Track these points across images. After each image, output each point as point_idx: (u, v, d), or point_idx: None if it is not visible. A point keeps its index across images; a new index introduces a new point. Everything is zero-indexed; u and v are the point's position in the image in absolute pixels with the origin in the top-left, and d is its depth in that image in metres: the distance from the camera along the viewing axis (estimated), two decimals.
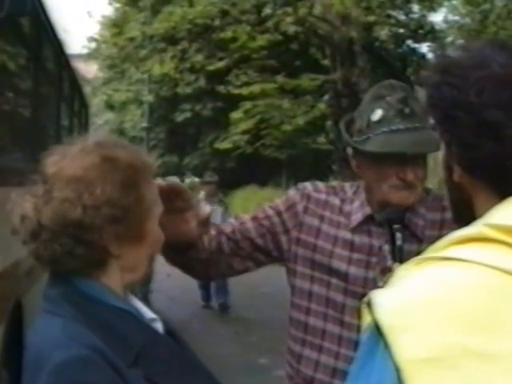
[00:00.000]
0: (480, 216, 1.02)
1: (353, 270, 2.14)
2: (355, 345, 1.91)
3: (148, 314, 1.54)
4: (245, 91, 23.73)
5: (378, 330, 0.89)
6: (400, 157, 2.03)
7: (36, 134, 5.92)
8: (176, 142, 31.96)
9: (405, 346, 0.86)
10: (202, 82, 26.71)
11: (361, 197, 2.20)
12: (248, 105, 23.88)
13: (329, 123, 22.33)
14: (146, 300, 5.44)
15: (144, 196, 1.45)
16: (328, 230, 2.19)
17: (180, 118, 28.40)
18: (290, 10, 21.02)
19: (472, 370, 0.82)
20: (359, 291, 2.07)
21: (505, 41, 1.13)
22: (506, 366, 0.82)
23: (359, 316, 0.98)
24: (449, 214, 2.05)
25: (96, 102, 31.78)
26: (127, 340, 1.37)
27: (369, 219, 2.17)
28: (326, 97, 21.97)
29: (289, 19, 21.56)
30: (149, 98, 27.92)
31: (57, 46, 7.17)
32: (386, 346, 0.87)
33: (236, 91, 24.06)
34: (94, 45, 34.92)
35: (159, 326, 1.53)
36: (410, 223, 2.14)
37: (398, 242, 2.04)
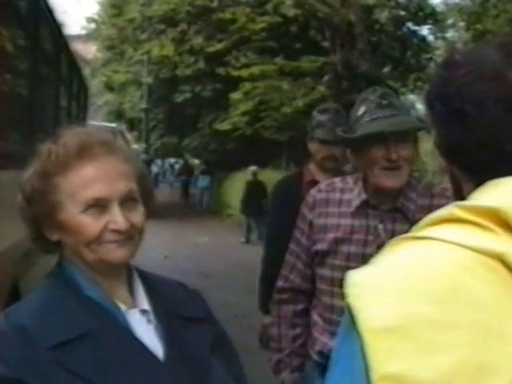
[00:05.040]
0: None
1: (353, 249, 2.55)
2: None
3: (126, 303, 1.55)
4: (244, 73, 23.65)
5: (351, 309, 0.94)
6: (383, 139, 2.41)
7: (34, 116, 5.92)
8: (175, 123, 31.94)
9: (367, 316, 0.89)
10: (201, 64, 26.60)
11: (359, 185, 2.60)
12: (248, 86, 23.80)
13: None
14: None
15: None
16: (332, 222, 2.62)
17: (179, 98, 28.27)
18: None
19: (427, 338, 0.86)
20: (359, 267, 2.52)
21: (507, 40, 1.17)
22: (462, 337, 0.85)
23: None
24: (436, 200, 2.49)
25: (95, 83, 31.73)
26: (60, 324, 1.43)
27: (365, 203, 2.56)
28: (326, 78, 21.90)
29: (288, 1, 21.45)
30: (148, 79, 27.85)
31: (55, 27, 7.13)
32: (354, 315, 0.91)
33: (235, 73, 23.99)
34: (93, 25, 34.81)
35: (133, 317, 1.53)
36: (402, 207, 2.53)
37: None
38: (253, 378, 5.69)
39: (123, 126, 31.82)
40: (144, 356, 1.48)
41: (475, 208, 0.98)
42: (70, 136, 1.54)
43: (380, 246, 2.29)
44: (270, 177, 19.17)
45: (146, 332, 1.52)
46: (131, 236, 1.51)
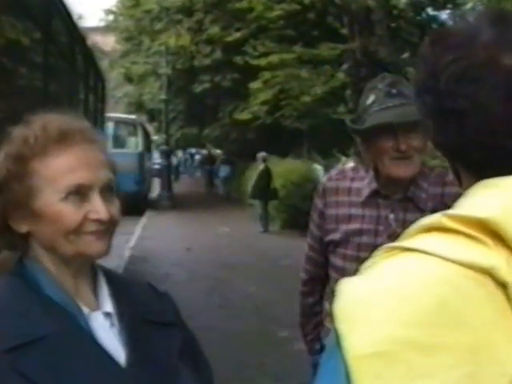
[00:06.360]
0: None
1: (364, 240, 2.52)
2: None
3: (89, 305, 1.47)
4: (263, 62, 23.65)
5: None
6: (392, 130, 2.36)
7: (48, 110, 5.86)
8: (195, 113, 32.06)
9: (352, 340, 0.85)
10: (218, 54, 26.65)
11: (370, 175, 2.56)
12: (267, 75, 23.79)
13: (348, 92, 22.19)
14: None
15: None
16: (343, 212, 2.60)
17: (198, 89, 28.39)
18: None
19: (415, 363, 0.82)
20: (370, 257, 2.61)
21: (503, 12, 1.04)
22: (450, 359, 0.82)
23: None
24: (448, 188, 2.44)
25: (114, 75, 31.89)
26: (16, 326, 1.35)
27: (375, 193, 2.53)
28: (345, 66, 21.80)
29: None
30: (167, 70, 27.96)
31: (68, 19, 7.16)
32: (340, 340, 0.87)
33: (254, 62, 23.99)
34: (111, 17, 35.04)
35: (95, 321, 1.45)
36: (413, 196, 2.48)
37: None
38: (274, 368, 5.69)
39: (143, 118, 31.96)
40: (105, 362, 1.41)
41: (463, 218, 0.93)
42: (49, 120, 1.46)
43: (391, 236, 2.36)
44: (292, 166, 19.13)
45: (109, 336, 1.45)
46: (109, 228, 1.44)
